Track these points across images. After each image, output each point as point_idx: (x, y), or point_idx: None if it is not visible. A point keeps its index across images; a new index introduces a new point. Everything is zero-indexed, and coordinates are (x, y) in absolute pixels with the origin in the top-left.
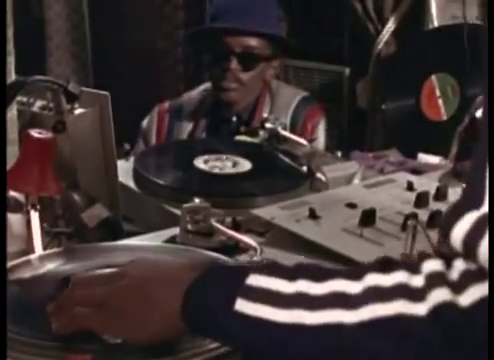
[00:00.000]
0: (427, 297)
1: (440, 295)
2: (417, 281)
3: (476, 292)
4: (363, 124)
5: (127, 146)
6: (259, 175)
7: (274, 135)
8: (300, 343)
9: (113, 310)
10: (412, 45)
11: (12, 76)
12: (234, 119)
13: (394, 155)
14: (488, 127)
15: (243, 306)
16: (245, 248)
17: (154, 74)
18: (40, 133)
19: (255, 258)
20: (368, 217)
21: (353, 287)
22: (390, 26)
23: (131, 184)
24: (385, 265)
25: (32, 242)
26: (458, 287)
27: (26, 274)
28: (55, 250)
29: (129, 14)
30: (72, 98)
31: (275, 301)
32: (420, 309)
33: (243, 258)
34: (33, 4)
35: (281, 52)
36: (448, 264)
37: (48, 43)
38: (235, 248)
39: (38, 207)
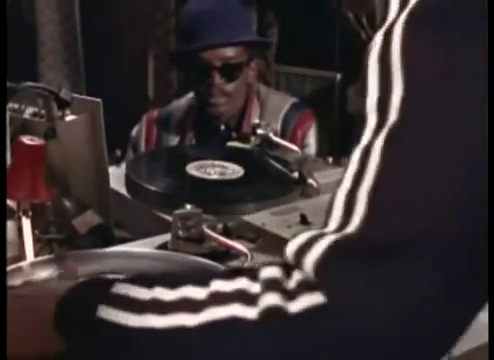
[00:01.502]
0: (259, 301)
1: (271, 299)
2: (255, 287)
3: (306, 300)
4: (354, 130)
5: (119, 152)
6: (250, 181)
7: (265, 141)
8: (148, 346)
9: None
10: None
11: None
12: (222, 127)
13: None
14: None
15: (104, 312)
16: (236, 254)
17: (146, 79)
18: (31, 140)
19: (246, 264)
20: None
21: (199, 293)
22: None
23: (123, 190)
24: (232, 272)
25: (24, 248)
26: (290, 294)
27: (17, 281)
28: (46, 257)
29: (121, 20)
30: (63, 105)
31: (130, 307)
32: (251, 312)
33: (234, 264)
34: (24, 9)
35: (257, 53)
36: (288, 273)
37: (40, 48)
38: (226, 254)
39: (30, 213)
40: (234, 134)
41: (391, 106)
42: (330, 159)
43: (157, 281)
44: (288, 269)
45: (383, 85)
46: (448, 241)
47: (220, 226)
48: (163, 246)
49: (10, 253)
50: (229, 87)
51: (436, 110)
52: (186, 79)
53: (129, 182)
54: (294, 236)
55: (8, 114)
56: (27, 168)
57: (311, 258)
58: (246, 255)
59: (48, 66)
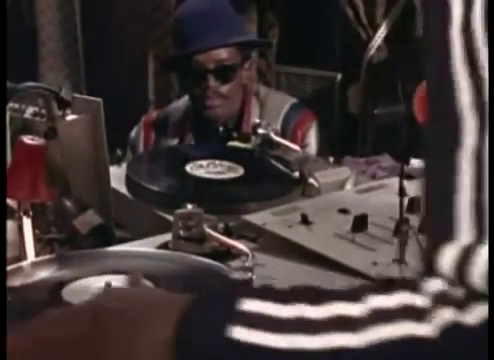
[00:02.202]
0: (433, 317)
1: (446, 315)
2: (421, 301)
3: (480, 311)
4: (354, 129)
5: (119, 152)
6: (251, 181)
7: (266, 140)
8: None
9: (97, 348)
10: (404, 51)
11: None
12: (221, 129)
13: (386, 160)
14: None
15: (236, 332)
16: (237, 254)
17: (146, 80)
18: (32, 139)
19: (247, 264)
20: (360, 222)
21: (354, 309)
22: (382, 32)
23: (123, 190)
24: (386, 285)
25: (24, 248)
26: (462, 306)
27: (18, 281)
28: (47, 257)
29: (121, 20)
30: (64, 104)
31: (269, 326)
32: (427, 330)
33: (235, 264)
34: (25, 10)
35: (251, 53)
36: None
37: (40, 49)
38: (227, 254)
39: (30, 213)
40: (235, 134)
41: (487, 105)
42: (331, 159)
43: (293, 296)
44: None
45: (474, 86)
46: None
47: (221, 226)
48: (164, 246)
49: (10, 253)
50: (224, 89)
51: None
52: (182, 82)
53: (130, 182)
54: (436, 250)
55: (9, 114)
56: (28, 168)
57: (478, 270)
58: (247, 255)
59: (48, 67)
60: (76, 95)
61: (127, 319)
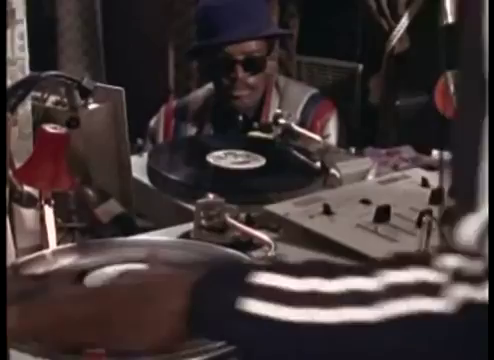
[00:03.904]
0: (449, 293)
1: (462, 291)
2: (437, 277)
3: None
4: (375, 120)
5: (140, 142)
6: (273, 171)
7: (287, 131)
8: (315, 343)
9: (116, 322)
10: (426, 41)
11: (26, 72)
12: (240, 118)
13: (408, 151)
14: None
15: (248, 304)
16: (259, 244)
17: (166, 70)
18: (54, 128)
19: (269, 254)
20: (383, 213)
21: (370, 284)
22: (404, 22)
23: (144, 180)
24: (401, 261)
25: (46, 237)
26: (478, 282)
27: (40, 269)
28: (68, 245)
29: (141, 10)
30: (86, 93)
31: (282, 299)
32: (443, 306)
33: (257, 254)
34: (45, 1)
35: (274, 44)
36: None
37: (60, 40)
38: (249, 244)
39: (52, 202)
40: (256, 124)
41: None
42: (352, 149)
43: (306, 270)
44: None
45: None
46: None
47: (243, 216)
48: (185, 235)
49: (32, 242)
50: (252, 80)
51: None
52: (206, 72)
53: (151, 172)
54: (454, 222)
55: (31, 103)
56: (49, 157)
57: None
58: (269, 245)
59: (68, 57)
60: (98, 84)
61: (142, 293)
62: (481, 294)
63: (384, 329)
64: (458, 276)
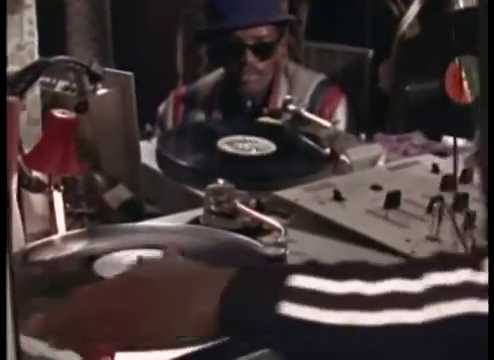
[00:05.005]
0: None
1: None
2: (483, 279)
3: None
4: (385, 106)
5: (149, 127)
6: (282, 157)
7: (297, 116)
8: (356, 345)
9: (141, 318)
10: (437, 27)
11: (35, 57)
12: (249, 104)
13: (418, 138)
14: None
15: (286, 308)
16: (269, 230)
17: (174, 56)
18: (63, 113)
19: (280, 239)
20: (393, 199)
21: (414, 286)
22: (415, 7)
23: (154, 165)
24: (445, 262)
25: (55, 222)
26: None
27: (48, 255)
28: (77, 231)
29: None
30: (95, 78)
31: (323, 302)
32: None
33: (266, 239)
34: None
35: (285, 30)
36: None
37: (68, 25)
38: (259, 230)
39: (61, 187)
40: (265, 110)
41: None
42: (362, 135)
43: (347, 273)
44: None
45: None
46: None
47: (253, 201)
48: (195, 221)
49: (41, 227)
50: (261, 65)
51: None
52: (215, 56)
53: (160, 157)
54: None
55: (40, 88)
56: (58, 142)
57: None
58: (279, 230)
59: (76, 43)
60: (107, 69)
61: (172, 289)
62: None
63: (430, 331)
64: None
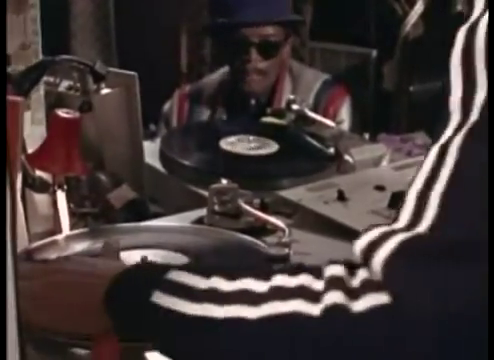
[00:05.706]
0: (322, 299)
1: (334, 297)
2: (318, 284)
3: (370, 301)
4: (389, 106)
5: (153, 127)
6: (286, 157)
7: (301, 116)
8: (208, 335)
9: (51, 302)
10: (440, 27)
11: (39, 56)
12: (253, 102)
13: (421, 138)
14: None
15: (159, 298)
16: (272, 230)
17: (178, 55)
18: (67, 113)
19: (284, 239)
20: (397, 199)
21: (260, 286)
22: (418, 8)
23: (157, 165)
24: (295, 268)
25: (58, 222)
26: (354, 293)
27: (52, 254)
28: (81, 230)
29: None
30: (99, 78)
31: (187, 295)
32: (314, 309)
33: (270, 240)
34: None
35: (291, 31)
36: (353, 272)
37: (72, 24)
38: (262, 229)
39: (65, 187)
40: (269, 109)
41: (474, 106)
42: (366, 136)
43: (214, 271)
44: (353, 268)
45: (467, 85)
46: None
47: (256, 201)
48: (199, 221)
49: (45, 227)
50: (263, 65)
51: None
52: (220, 53)
53: (164, 157)
54: (365, 232)
55: (43, 87)
56: (62, 141)
57: (379, 257)
58: (283, 230)
59: (80, 42)
60: (111, 69)
61: (74, 279)
62: (352, 303)
63: (260, 326)
64: (335, 284)
